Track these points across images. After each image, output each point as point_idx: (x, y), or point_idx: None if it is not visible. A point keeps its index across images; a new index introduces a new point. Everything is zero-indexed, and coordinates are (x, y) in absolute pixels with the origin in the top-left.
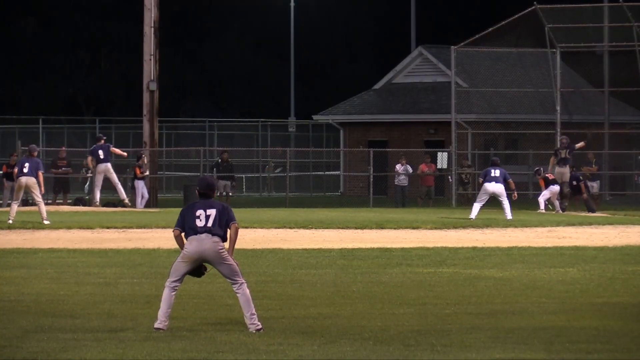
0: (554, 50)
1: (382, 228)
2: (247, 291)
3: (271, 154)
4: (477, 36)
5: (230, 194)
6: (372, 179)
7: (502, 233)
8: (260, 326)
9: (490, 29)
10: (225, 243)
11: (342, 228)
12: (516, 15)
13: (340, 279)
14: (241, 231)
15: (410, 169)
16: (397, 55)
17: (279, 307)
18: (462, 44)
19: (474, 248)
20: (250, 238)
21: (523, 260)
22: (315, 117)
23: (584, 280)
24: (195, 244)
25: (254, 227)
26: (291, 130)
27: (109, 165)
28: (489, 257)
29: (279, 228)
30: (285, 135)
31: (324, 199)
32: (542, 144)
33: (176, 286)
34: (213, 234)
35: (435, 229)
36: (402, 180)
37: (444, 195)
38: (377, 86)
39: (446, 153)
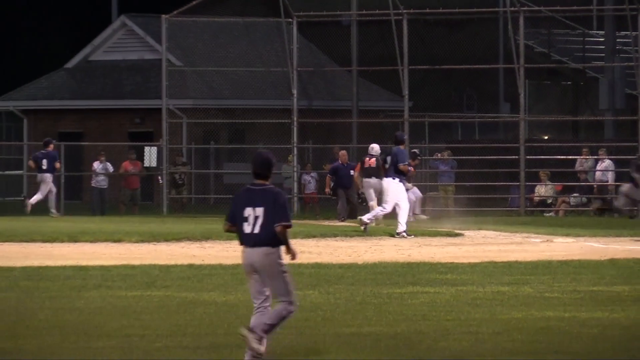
0: (290, 20)
1: (76, 241)
2: (285, 314)
3: None
4: (194, 2)
5: None
6: (62, 180)
7: (224, 247)
8: (256, 349)
9: None
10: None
11: (27, 241)
12: None
13: (24, 305)
14: None
15: (110, 168)
16: (95, 27)
17: None
18: (175, 12)
19: (191, 266)
20: None
21: None
22: None
23: (327, 305)
24: (245, 256)
25: None
26: None
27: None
28: (210, 277)
29: None
30: None
31: (5, 205)
32: (275, 136)
33: (259, 307)
34: (262, 245)
35: (142, 242)
36: (100, 181)
37: (153, 201)
38: (70, 64)
39: (155, 148)
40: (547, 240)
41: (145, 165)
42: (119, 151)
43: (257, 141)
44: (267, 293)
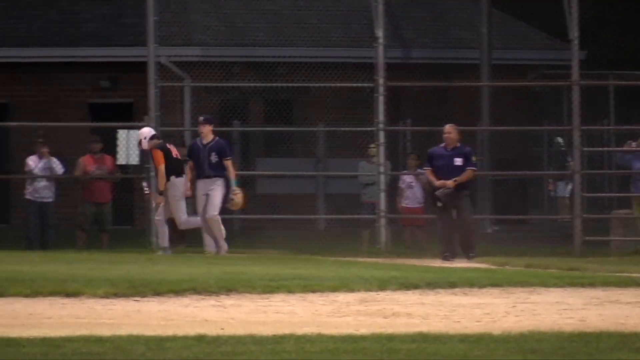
0: None
1: (1, 295)
2: None
3: None
4: None
5: None
6: None
7: (259, 305)
8: None
9: None
10: None
11: None
12: None
13: None
14: None
15: (60, 167)
16: None
17: None
18: None
19: (201, 338)
20: None
21: None
22: None
23: None
24: None
25: None
26: None
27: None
28: (234, 359)
29: None
30: None
31: None
32: (346, 111)
33: None
34: None
35: (115, 297)
36: (41, 191)
37: (134, 225)
38: None
39: (138, 132)
40: None
41: (119, 163)
42: (74, 138)
43: (315, 120)
44: None
